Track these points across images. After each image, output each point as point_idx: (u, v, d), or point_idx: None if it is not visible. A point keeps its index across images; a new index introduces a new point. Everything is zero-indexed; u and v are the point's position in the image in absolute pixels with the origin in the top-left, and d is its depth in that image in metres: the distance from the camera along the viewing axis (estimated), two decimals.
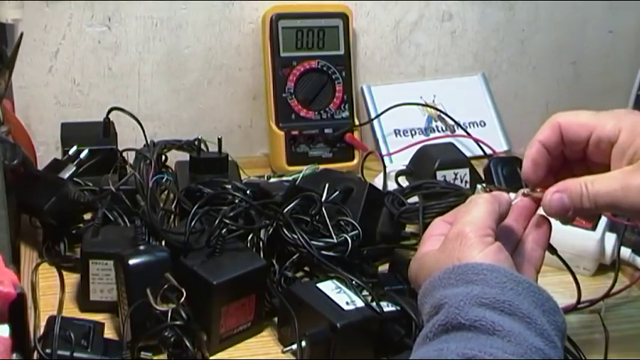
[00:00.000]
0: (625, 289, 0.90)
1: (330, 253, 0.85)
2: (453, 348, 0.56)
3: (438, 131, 1.27)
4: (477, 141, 1.24)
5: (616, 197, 0.66)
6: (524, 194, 0.72)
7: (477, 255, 0.64)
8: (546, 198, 0.68)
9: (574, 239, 0.91)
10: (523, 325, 0.59)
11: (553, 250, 0.76)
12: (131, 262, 0.75)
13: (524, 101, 1.38)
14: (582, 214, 0.70)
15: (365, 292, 0.79)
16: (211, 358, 0.78)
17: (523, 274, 0.66)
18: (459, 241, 0.65)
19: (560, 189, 0.68)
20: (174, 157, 1.04)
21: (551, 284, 0.85)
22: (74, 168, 0.95)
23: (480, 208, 0.67)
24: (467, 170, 1.07)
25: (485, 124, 1.30)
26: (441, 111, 1.27)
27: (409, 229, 0.99)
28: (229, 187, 0.90)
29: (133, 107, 1.14)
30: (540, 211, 0.71)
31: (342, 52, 1.20)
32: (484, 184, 0.73)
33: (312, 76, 1.19)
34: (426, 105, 1.27)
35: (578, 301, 0.84)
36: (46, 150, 1.15)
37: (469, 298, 0.60)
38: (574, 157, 0.72)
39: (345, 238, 0.86)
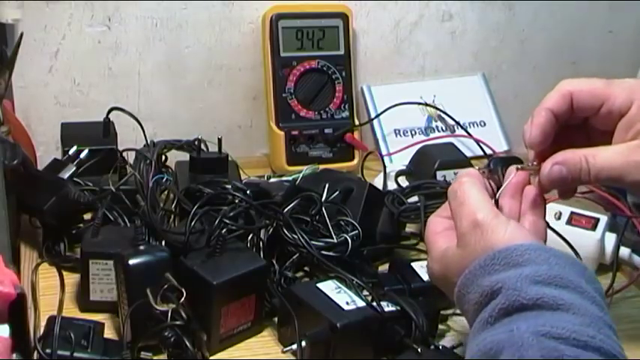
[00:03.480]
0: (624, 289, 0.90)
1: (330, 253, 0.85)
2: (524, 328, 0.56)
3: (438, 131, 1.27)
4: (477, 141, 1.24)
5: (619, 172, 0.65)
6: (517, 169, 0.71)
7: (504, 236, 0.64)
8: (545, 170, 0.68)
9: (574, 239, 0.91)
10: (578, 295, 0.59)
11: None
12: (131, 262, 0.75)
13: (524, 101, 1.37)
14: (580, 185, 0.70)
15: (365, 292, 0.79)
16: (211, 358, 0.78)
17: None
18: (478, 231, 0.65)
19: (559, 161, 0.67)
20: (174, 157, 1.04)
21: None
22: (74, 168, 0.95)
23: (472, 193, 0.67)
24: None
25: (485, 124, 1.30)
26: (441, 110, 1.27)
27: (409, 228, 0.99)
28: (229, 187, 0.90)
29: (133, 107, 1.14)
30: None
31: (342, 52, 1.20)
32: (479, 167, 0.73)
33: (312, 76, 1.19)
34: (426, 105, 1.27)
35: None
36: (46, 150, 1.15)
37: (523, 278, 0.59)
38: (574, 123, 0.71)
39: (345, 238, 0.86)
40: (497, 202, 0.70)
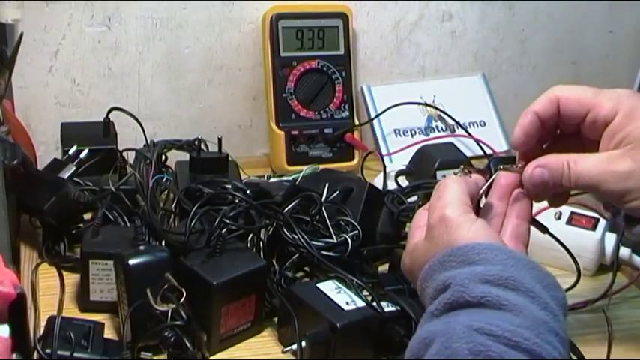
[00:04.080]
0: (624, 289, 0.90)
1: (330, 253, 0.85)
2: (460, 320, 0.57)
3: (438, 131, 1.27)
4: (477, 141, 1.24)
5: (597, 180, 0.66)
6: (500, 169, 0.72)
7: (467, 234, 0.64)
8: (527, 172, 0.69)
9: (574, 239, 0.91)
10: (527, 299, 0.59)
11: (544, 229, 0.76)
12: (131, 262, 0.75)
13: (524, 101, 1.36)
14: (561, 191, 0.70)
15: (365, 292, 0.79)
16: (211, 358, 0.78)
17: None
18: (443, 225, 0.66)
19: (541, 164, 0.68)
20: (174, 157, 1.04)
21: None
22: (74, 168, 0.95)
23: (451, 188, 0.68)
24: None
25: (485, 124, 1.30)
26: (441, 110, 1.27)
27: (409, 228, 0.99)
28: (229, 187, 0.90)
29: (133, 107, 1.14)
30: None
31: (342, 52, 1.20)
32: (462, 166, 0.73)
33: (312, 76, 1.19)
34: (426, 105, 1.27)
35: (577, 280, 0.86)
36: (46, 150, 1.15)
37: (473, 276, 0.60)
38: (568, 131, 0.72)
39: (345, 238, 0.87)
40: (479, 202, 0.71)
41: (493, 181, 0.72)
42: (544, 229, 0.76)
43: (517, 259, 0.62)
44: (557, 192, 0.71)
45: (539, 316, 0.58)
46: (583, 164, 0.67)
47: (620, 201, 0.67)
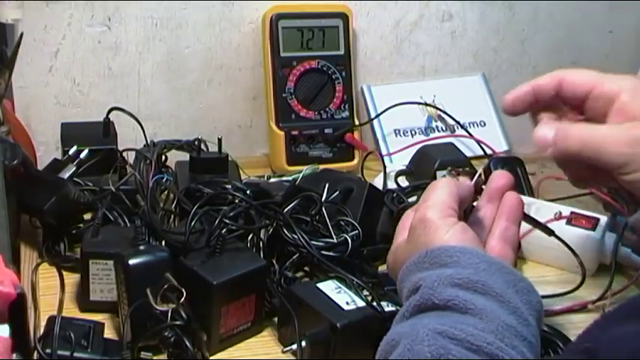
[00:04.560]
0: (624, 289, 0.90)
1: (330, 253, 0.85)
2: (425, 323, 0.58)
3: (438, 131, 1.27)
4: (477, 141, 1.24)
5: (602, 142, 0.64)
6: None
7: (444, 236, 0.65)
8: (536, 132, 0.69)
9: (574, 239, 0.91)
10: (496, 303, 0.59)
11: (550, 231, 0.76)
12: (131, 262, 0.75)
13: None
14: (563, 156, 0.68)
15: (365, 292, 0.79)
16: (211, 358, 0.78)
17: (499, 254, 0.67)
18: (422, 226, 0.67)
19: (549, 125, 0.69)
20: (175, 157, 1.04)
21: (552, 283, 0.85)
22: (74, 168, 0.95)
23: (438, 191, 0.69)
24: None
25: (485, 124, 1.30)
26: (441, 110, 1.27)
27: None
28: (229, 187, 0.90)
29: (133, 107, 1.14)
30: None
31: (342, 52, 1.20)
32: (450, 168, 0.73)
33: (312, 76, 1.19)
34: (426, 105, 1.27)
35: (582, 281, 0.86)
36: (46, 150, 1.15)
37: (442, 279, 0.61)
38: (578, 109, 0.72)
39: (345, 238, 0.87)
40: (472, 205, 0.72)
41: (485, 183, 0.72)
42: (550, 232, 0.76)
43: (489, 264, 0.62)
44: (569, 164, 0.70)
45: (506, 321, 0.58)
46: (590, 127, 0.66)
47: (619, 171, 0.64)
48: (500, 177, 0.72)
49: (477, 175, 0.72)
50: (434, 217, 0.66)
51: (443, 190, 0.69)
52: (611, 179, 0.66)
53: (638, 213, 0.70)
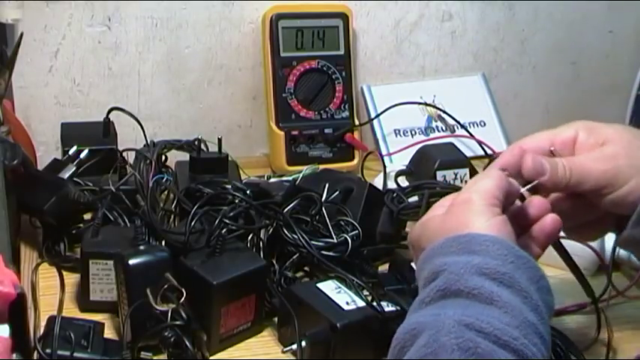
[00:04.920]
0: (625, 291, 0.90)
1: (330, 253, 0.85)
2: (450, 314, 0.57)
3: (438, 131, 1.27)
4: (477, 141, 1.24)
5: (587, 168, 0.70)
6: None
7: (483, 223, 0.64)
8: (526, 160, 0.70)
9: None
10: (520, 298, 0.59)
11: (566, 255, 0.76)
12: (131, 262, 0.75)
13: (524, 101, 1.38)
14: (557, 189, 0.72)
15: (365, 292, 0.79)
16: (211, 358, 0.78)
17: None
18: (466, 205, 0.65)
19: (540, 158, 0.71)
20: (174, 157, 1.04)
21: (552, 283, 0.85)
22: (74, 168, 0.95)
23: (489, 180, 0.67)
24: (467, 170, 1.07)
25: (485, 124, 1.30)
26: (441, 110, 1.27)
27: (409, 228, 0.99)
28: (229, 187, 0.90)
29: (133, 107, 1.14)
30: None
31: (342, 52, 1.20)
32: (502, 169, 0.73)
33: (312, 76, 1.19)
34: (426, 105, 1.27)
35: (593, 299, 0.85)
36: (46, 150, 1.15)
37: (469, 267, 0.60)
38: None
39: (345, 238, 0.87)
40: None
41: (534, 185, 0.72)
42: (566, 255, 0.78)
43: (518, 257, 0.62)
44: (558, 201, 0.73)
45: (529, 318, 0.58)
46: (575, 158, 0.71)
47: (603, 192, 0.69)
48: (552, 223, 0.70)
49: (531, 184, 0.71)
50: (479, 200, 0.65)
51: (493, 180, 0.67)
52: (591, 210, 0.72)
53: (625, 232, 0.70)
